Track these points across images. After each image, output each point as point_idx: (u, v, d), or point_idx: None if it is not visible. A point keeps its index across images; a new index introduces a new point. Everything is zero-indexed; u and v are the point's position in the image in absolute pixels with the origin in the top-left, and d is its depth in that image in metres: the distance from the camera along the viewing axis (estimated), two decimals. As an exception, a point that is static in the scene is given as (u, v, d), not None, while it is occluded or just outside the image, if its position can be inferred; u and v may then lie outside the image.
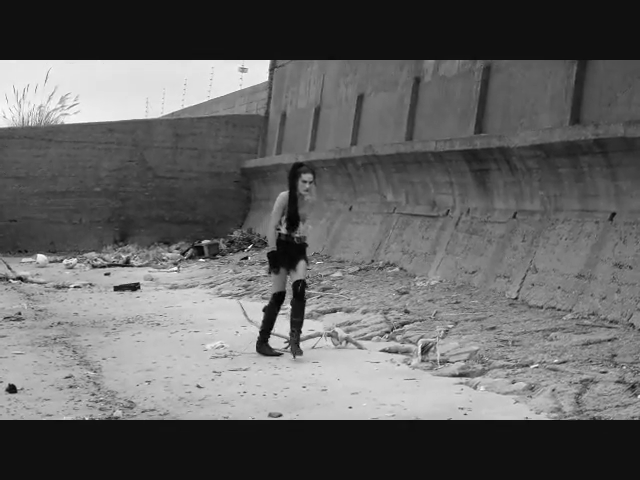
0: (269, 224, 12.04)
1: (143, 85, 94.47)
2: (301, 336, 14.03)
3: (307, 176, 11.15)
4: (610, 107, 16.03)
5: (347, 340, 13.97)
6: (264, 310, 12.08)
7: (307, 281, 14.30)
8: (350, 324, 15.45)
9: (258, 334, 12.28)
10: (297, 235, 11.39)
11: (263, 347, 11.85)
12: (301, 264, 11.47)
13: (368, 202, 25.06)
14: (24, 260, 26.33)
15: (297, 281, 11.30)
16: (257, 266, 25.08)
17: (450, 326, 14.39)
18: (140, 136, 30.17)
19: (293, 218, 11.10)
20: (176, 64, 78.35)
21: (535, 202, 17.21)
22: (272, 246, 11.58)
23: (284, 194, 11.37)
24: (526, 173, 16.97)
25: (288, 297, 12.59)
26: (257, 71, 37.46)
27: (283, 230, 11.29)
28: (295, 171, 11.24)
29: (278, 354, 11.81)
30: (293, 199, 11.16)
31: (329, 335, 14.25)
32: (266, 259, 13.07)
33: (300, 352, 11.27)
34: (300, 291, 11.30)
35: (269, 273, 12.03)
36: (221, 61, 78.07)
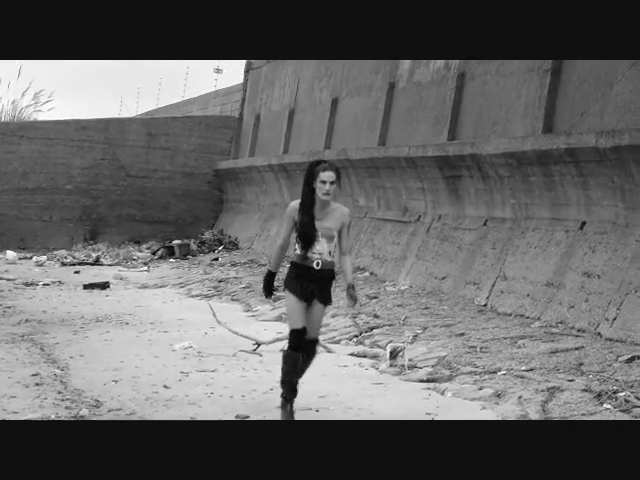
0: (272, 246, 9.54)
1: (118, 84, 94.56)
2: (269, 339, 14.41)
3: (327, 175, 7.78)
4: (582, 117, 16.12)
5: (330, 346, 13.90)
6: (284, 358, 8.49)
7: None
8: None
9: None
10: (317, 258, 7.93)
11: (283, 411, 8.53)
12: (317, 310, 8.20)
13: None
14: None
15: (308, 341, 8.21)
16: (227, 267, 25.23)
17: (419, 331, 14.46)
18: (113, 134, 30.22)
19: (307, 233, 7.80)
20: (151, 63, 78.38)
21: (506, 210, 17.39)
22: (269, 267, 8.56)
23: (294, 203, 8.15)
24: (498, 181, 17.06)
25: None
26: (232, 72, 37.55)
27: (298, 250, 8.03)
28: (312, 170, 7.95)
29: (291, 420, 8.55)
30: (306, 207, 7.86)
31: None
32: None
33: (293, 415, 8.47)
34: (309, 352, 8.37)
35: (265, 297, 9.01)
36: (196, 61, 78.16)
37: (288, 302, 8.31)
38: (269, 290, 8.42)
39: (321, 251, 7.90)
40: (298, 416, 9.31)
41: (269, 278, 8.37)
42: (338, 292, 19.24)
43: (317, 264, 7.92)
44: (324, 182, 7.78)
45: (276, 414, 9.67)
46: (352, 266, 8.14)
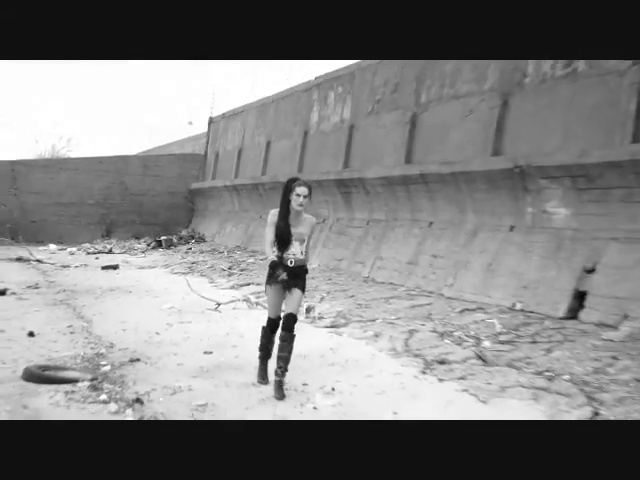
0: (265, 244, 8.07)
1: (123, 130, 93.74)
2: (225, 301, 14.11)
3: (301, 189, 7.20)
4: (430, 153, 16.32)
5: (257, 304, 13.95)
6: (262, 333, 7.83)
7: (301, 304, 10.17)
8: (259, 293, 15.15)
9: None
10: (291, 257, 7.27)
11: (259, 372, 7.71)
12: (295, 294, 7.36)
13: (268, 215, 25.07)
14: (40, 248, 26.01)
15: (288, 315, 7.26)
16: (197, 254, 25.11)
17: (325, 295, 14.56)
18: (120, 166, 30.31)
19: (283, 236, 7.17)
20: (147, 117, 78.35)
21: (381, 214, 17.48)
22: (271, 257, 7.39)
23: (274, 211, 7.42)
24: (376, 195, 17.24)
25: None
26: (200, 124, 37.49)
27: (276, 251, 7.30)
28: (289, 185, 7.27)
29: (262, 383, 7.69)
30: (283, 215, 7.22)
31: (245, 300, 14.27)
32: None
33: (283, 396, 7.21)
34: (289, 325, 7.28)
35: (267, 284, 7.62)
36: (176, 116, 78.12)
37: (268, 296, 7.57)
38: (276, 272, 7.26)
39: (294, 252, 7.23)
40: (248, 353, 9.33)
41: (274, 265, 7.25)
42: None
43: (291, 262, 7.18)
44: (299, 195, 7.12)
45: (231, 351, 9.88)
46: (308, 262, 7.79)
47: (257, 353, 8.29)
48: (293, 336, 7.28)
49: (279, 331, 7.50)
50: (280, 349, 7.27)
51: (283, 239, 7.10)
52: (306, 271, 7.48)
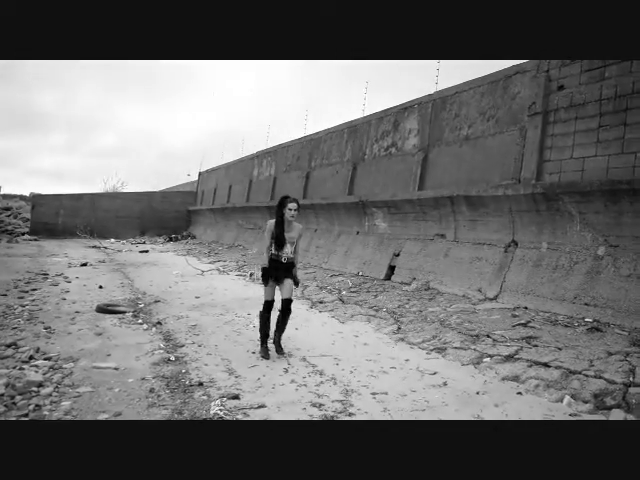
0: (261, 247, 6.67)
1: (151, 176, 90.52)
2: (206, 269, 13.74)
3: (292, 205, 5.83)
4: (316, 193, 16.22)
5: (223, 271, 13.82)
6: (260, 317, 6.04)
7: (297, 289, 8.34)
8: (224, 265, 15.21)
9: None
10: (284, 255, 5.86)
11: (261, 350, 5.96)
12: (287, 283, 5.92)
13: (230, 224, 24.09)
14: (106, 241, 24.99)
15: (283, 300, 5.88)
16: (192, 245, 24.35)
17: (258, 267, 13.81)
18: (150, 197, 29.64)
19: (280, 240, 5.84)
20: (163, 168, 77.06)
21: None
22: (264, 263, 5.91)
23: (272, 221, 5.98)
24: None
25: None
26: (193, 175, 37.14)
27: (273, 250, 5.88)
28: (283, 201, 5.89)
29: (265, 357, 5.78)
30: (279, 223, 5.86)
31: (217, 269, 14.09)
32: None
33: (282, 352, 5.94)
34: (285, 308, 5.90)
35: (262, 283, 5.95)
36: (182, 170, 76.58)
37: (265, 286, 5.86)
38: (267, 278, 5.81)
39: (287, 251, 5.83)
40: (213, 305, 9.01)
41: (266, 272, 5.83)
42: (231, 254, 18.62)
43: (284, 259, 5.81)
44: (290, 209, 5.79)
45: (208, 296, 9.76)
46: (298, 257, 6.09)
47: (250, 323, 7.31)
48: (289, 312, 5.92)
49: (275, 313, 6.12)
50: (279, 323, 5.98)
51: (280, 242, 5.83)
52: (294, 266, 5.94)
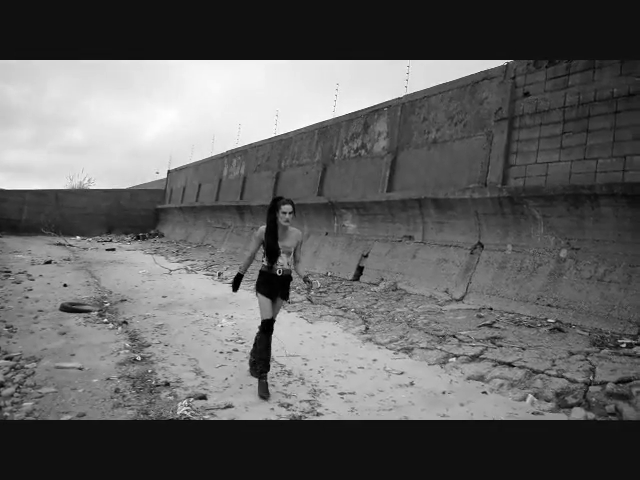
0: (244, 256, 6.38)
1: (119, 174, 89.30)
2: (174, 268, 13.74)
3: (286, 207, 4.74)
4: (286, 193, 16.03)
5: (192, 270, 13.77)
6: (256, 340, 5.06)
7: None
8: (192, 264, 15.16)
9: (250, 364, 5.19)
10: (279, 267, 4.76)
11: (260, 386, 4.62)
12: (278, 304, 4.89)
13: (198, 223, 24.00)
14: (72, 238, 24.63)
15: (265, 320, 4.74)
16: (159, 243, 24.33)
17: (228, 266, 14.27)
18: (117, 195, 29.20)
19: (272, 250, 4.76)
20: (132, 166, 75.81)
21: (259, 224, 15.67)
22: (240, 270, 4.99)
23: (262, 228, 4.87)
24: (257, 214, 15.73)
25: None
26: (162, 173, 36.86)
27: (265, 262, 4.82)
28: (275, 204, 4.79)
29: (265, 396, 4.50)
30: (270, 230, 4.78)
31: (185, 268, 14.06)
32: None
33: (266, 394, 4.53)
34: (266, 329, 4.73)
35: (233, 291, 5.07)
36: (151, 168, 75.63)
37: (260, 301, 4.78)
38: (236, 286, 4.99)
39: (282, 263, 4.75)
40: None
41: (238, 278, 4.96)
42: (199, 253, 18.72)
43: (279, 272, 4.73)
44: (284, 212, 4.70)
45: (175, 295, 9.68)
46: (304, 267, 4.93)
47: (222, 331, 6.62)
48: (269, 338, 4.75)
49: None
50: (257, 347, 4.89)
51: (273, 252, 4.79)
52: (291, 279, 4.93)
